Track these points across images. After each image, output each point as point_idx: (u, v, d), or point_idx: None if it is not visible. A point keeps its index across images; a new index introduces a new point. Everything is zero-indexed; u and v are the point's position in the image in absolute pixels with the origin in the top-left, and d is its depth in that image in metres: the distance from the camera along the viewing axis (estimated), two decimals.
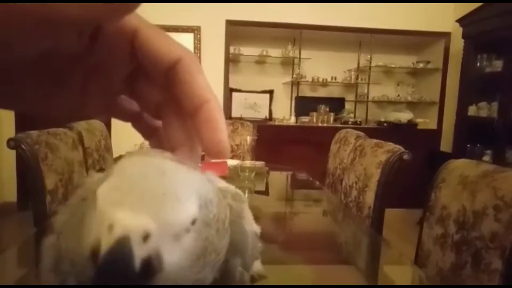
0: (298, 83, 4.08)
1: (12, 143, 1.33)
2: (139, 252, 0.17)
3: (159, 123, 0.25)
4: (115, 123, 3.00)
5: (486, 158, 2.91)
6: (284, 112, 4.21)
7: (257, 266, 0.28)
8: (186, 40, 3.53)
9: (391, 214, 1.57)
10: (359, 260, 1.26)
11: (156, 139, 0.26)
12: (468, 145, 3.15)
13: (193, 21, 3.60)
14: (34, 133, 1.41)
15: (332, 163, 2.21)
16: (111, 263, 0.17)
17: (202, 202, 0.20)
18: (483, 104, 3.02)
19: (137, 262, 0.17)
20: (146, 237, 0.18)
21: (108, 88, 0.23)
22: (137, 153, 0.21)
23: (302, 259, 1.15)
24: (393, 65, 4.09)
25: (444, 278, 1.09)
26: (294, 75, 4.04)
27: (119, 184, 0.19)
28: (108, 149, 2.36)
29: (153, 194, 0.19)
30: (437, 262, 1.15)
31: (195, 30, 3.63)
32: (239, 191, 0.28)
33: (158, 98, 0.23)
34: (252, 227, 0.27)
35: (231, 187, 0.27)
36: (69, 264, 0.21)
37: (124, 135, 3.14)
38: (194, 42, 3.64)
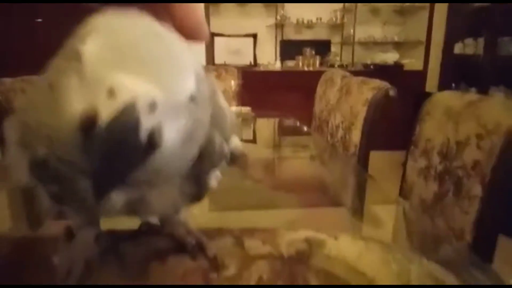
0: (282, 26, 3.94)
1: None
2: (146, 122, 0.15)
3: None
4: None
5: None
6: (268, 57, 4.11)
7: (236, 141, 0.27)
8: None
9: (376, 156, 1.59)
10: (348, 200, 1.29)
11: None
12: (453, 84, 3.16)
13: None
14: (7, 80, 1.34)
15: (318, 105, 2.19)
16: (115, 132, 0.14)
17: (197, 78, 0.18)
18: (469, 40, 2.98)
19: (143, 133, 0.15)
20: (152, 106, 0.15)
21: None
22: (115, 13, 0.17)
23: (292, 203, 1.17)
24: (379, 4, 3.96)
25: (426, 207, 1.13)
26: (278, 17, 3.89)
27: (112, 43, 0.16)
28: None
29: (155, 59, 0.16)
30: (421, 194, 1.18)
31: None
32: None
33: None
34: (226, 104, 0.26)
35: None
36: (43, 140, 0.18)
37: None
38: None
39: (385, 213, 1.12)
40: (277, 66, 3.92)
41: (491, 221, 0.95)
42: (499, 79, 2.64)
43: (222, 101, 0.26)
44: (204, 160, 0.21)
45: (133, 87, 0.15)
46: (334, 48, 4.17)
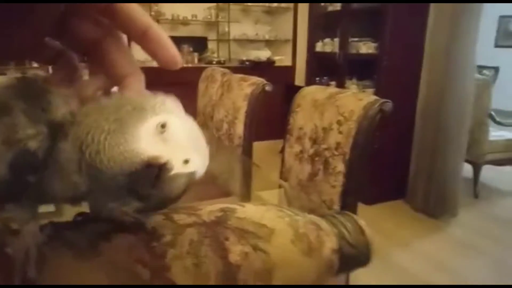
0: (157, 21, 3.87)
1: None
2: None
3: (79, 64, 0.26)
4: None
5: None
6: (145, 53, 3.98)
7: None
8: None
9: (256, 146, 1.74)
10: (237, 189, 1.39)
11: (77, 76, 0.26)
12: (317, 78, 3.58)
13: None
14: None
15: (201, 101, 2.26)
16: (174, 184, 0.23)
17: None
18: (327, 40, 3.41)
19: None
20: (198, 175, 0.25)
21: (39, 28, 0.22)
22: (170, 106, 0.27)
23: (186, 199, 1.21)
24: (250, 4, 4.21)
25: (302, 186, 1.31)
26: (152, 12, 3.81)
27: (185, 127, 0.25)
28: None
29: (203, 146, 0.26)
30: (297, 174, 1.36)
31: None
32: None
33: (93, 34, 0.25)
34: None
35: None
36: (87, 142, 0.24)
37: None
38: None
39: (270, 197, 1.25)
40: (155, 62, 3.83)
41: (352, 192, 1.16)
42: (352, 73, 3.12)
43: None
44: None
45: (198, 164, 0.25)
46: (210, 45, 4.27)
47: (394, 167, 2.71)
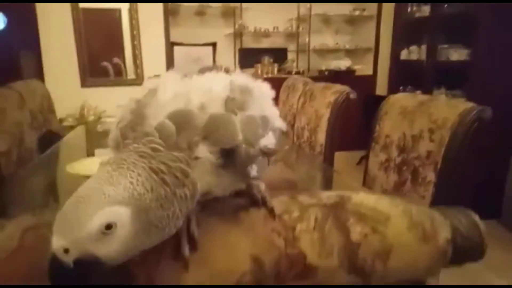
0: (241, 34, 4.06)
1: None
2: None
3: None
4: (51, 85, 2.82)
5: None
6: (228, 65, 4.20)
7: (265, 142, 0.35)
8: None
9: (336, 156, 1.72)
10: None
11: None
12: (401, 87, 3.43)
13: None
14: None
15: (282, 110, 2.32)
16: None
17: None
18: (413, 47, 3.26)
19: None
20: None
21: None
22: None
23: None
24: (331, 13, 4.21)
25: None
26: (236, 26, 4.00)
27: None
28: (51, 110, 2.24)
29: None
30: (382, 184, 1.33)
31: None
32: (249, 83, 0.34)
33: None
34: (258, 112, 0.34)
35: (242, 80, 0.34)
36: None
37: (65, 97, 2.97)
38: None
39: None
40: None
41: (443, 202, 1.10)
42: (440, 81, 2.93)
43: (252, 110, 0.34)
44: (236, 166, 0.31)
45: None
46: (290, 56, 4.35)
47: (489, 182, 2.48)
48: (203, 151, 0.28)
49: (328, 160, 1.64)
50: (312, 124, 1.75)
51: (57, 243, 0.25)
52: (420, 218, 0.31)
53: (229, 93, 0.31)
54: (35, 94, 2.00)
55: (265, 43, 4.34)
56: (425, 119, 1.15)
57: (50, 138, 1.76)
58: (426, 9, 3.09)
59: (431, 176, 1.11)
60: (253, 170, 0.33)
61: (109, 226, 0.26)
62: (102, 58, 3.31)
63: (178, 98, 0.30)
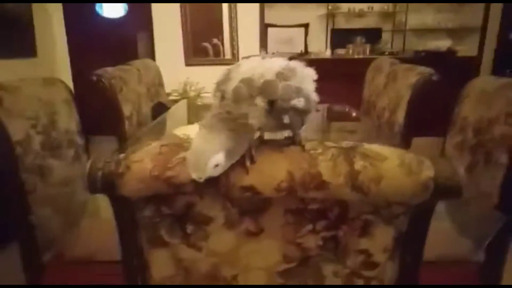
0: (333, 15, 4.07)
1: (95, 77, 1.60)
2: None
3: None
4: (160, 63, 3.23)
5: None
6: (319, 46, 4.26)
7: (295, 103, 0.50)
8: None
9: (419, 142, 1.71)
10: None
11: None
12: (508, 70, 3.14)
13: None
14: (109, 69, 1.67)
15: (367, 90, 2.35)
16: None
17: None
18: None
19: None
20: None
21: None
22: None
23: None
24: None
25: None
26: (329, 7, 4.02)
27: None
28: (161, 84, 2.62)
29: None
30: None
31: None
32: (297, 66, 0.50)
33: None
34: (296, 83, 0.49)
35: (293, 64, 0.50)
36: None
37: (171, 74, 3.37)
38: None
39: None
40: (327, 54, 4.07)
41: None
42: None
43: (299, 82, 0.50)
44: (276, 113, 0.47)
45: None
46: (385, 36, 4.23)
47: None
48: (259, 101, 0.44)
49: (405, 141, 1.68)
50: (392, 104, 1.79)
51: (193, 175, 0.44)
52: (410, 160, 0.43)
53: (281, 69, 0.47)
54: (149, 71, 2.37)
55: (358, 24, 4.28)
56: (503, 102, 1.15)
57: (160, 108, 2.11)
58: None
59: (503, 158, 1.12)
60: (285, 119, 0.49)
61: (216, 165, 0.44)
62: (203, 39, 3.66)
63: (250, 70, 0.47)
